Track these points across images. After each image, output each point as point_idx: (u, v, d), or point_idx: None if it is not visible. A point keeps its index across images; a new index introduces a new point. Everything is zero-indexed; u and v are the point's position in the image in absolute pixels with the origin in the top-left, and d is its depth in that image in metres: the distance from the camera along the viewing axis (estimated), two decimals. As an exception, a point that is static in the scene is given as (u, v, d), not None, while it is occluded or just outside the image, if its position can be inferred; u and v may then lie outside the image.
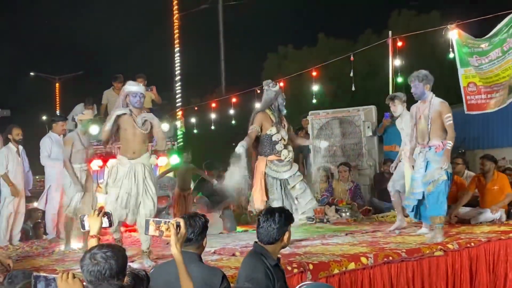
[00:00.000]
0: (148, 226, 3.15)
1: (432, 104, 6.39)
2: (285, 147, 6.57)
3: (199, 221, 3.48)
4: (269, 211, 3.74)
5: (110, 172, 5.81)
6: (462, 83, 8.83)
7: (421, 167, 6.44)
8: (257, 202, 6.51)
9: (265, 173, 6.51)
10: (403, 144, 7.28)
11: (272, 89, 6.61)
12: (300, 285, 2.95)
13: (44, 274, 2.78)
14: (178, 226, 3.08)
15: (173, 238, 3.04)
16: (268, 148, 6.53)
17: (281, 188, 6.51)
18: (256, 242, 3.75)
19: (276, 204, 6.34)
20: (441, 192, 6.33)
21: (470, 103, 8.90)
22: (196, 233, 3.44)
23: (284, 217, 3.71)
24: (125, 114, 5.70)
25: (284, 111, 6.61)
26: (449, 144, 6.28)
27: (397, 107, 7.24)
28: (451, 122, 6.35)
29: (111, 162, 5.95)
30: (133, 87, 5.83)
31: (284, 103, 6.61)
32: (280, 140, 6.51)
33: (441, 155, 6.30)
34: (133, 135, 5.72)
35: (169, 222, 3.10)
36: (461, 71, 8.95)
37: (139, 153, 5.75)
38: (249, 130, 6.49)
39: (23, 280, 3.11)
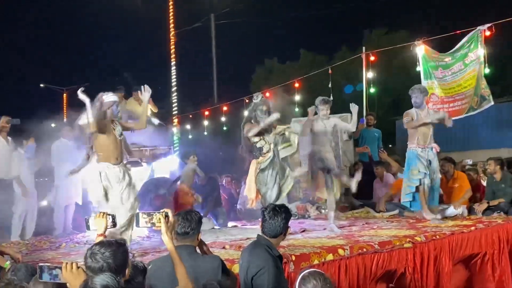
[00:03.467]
0: (138, 219, 3.16)
1: (430, 113, 7.10)
2: (270, 149, 6.62)
3: (195, 216, 3.50)
4: (276, 208, 3.76)
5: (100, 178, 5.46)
6: None
7: (426, 165, 6.98)
8: (250, 203, 6.66)
9: (257, 172, 6.57)
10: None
11: (253, 101, 6.72)
12: (301, 272, 3.13)
13: (49, 264, 2.74)
14: (166, 216, 3.12)
15: (164, 227, 3.07)
16: (257, 153, 6.63)
17: (274, 179, 6.55)
18: (259, 235, 3.76)
19: (269, 194, 6.50)
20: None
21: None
22: (192, 227, 3.45)
23: (289, 213, 3.80)
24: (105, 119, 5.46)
25: (262, 124, 6.52)
26: None
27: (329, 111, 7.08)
28: None
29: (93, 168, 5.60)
30: (114, 97, 5.63)
31: (264, 116, 6.56)
32: (265, 145, 6.55)
33: (437, 156, 7.05)
34: (115, 143, 5.54)
35: (158, 213, 3.13)
36: (424, 83, 9.02)
37: (120, 159, 5.58)
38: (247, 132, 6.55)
39: (26, 273, 3.07)
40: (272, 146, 6.67)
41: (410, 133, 7.08)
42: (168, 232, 3.08)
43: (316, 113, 6.83)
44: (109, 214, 3.32)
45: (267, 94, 13.32)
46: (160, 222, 3.09)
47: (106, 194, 5.44)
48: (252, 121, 6.66)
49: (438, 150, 7.14)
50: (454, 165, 8.06)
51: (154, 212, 3.14)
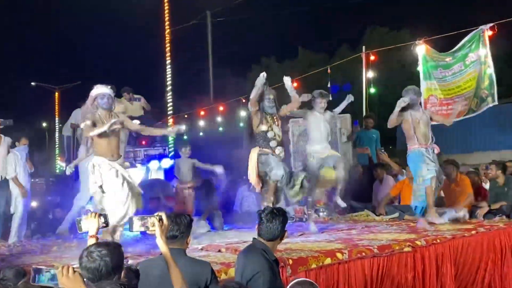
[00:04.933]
0: (132, 224, 3.18)
1: (425, 113, 7.14)
2: (279, 144, 6.64)
3: (185, 219, 3.50)
4: (274, 210, 3.78)
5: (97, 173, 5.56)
6: (424, 95, 8.93)
7: (433, 166, 6.91)
8: (257, 185, 6.62)
9: (257, 157, 6.54)
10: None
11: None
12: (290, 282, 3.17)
13: (43, 267, 2.72)
14: (160, 219, 3.14)
15: (158, 230, 3.10)
16: (262, 143, 6.60)
17: (279, 160, 6.56)
18: (255, 238, 3.77)
19: (274, 173, 6.46)
20: None
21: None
22: (181, 231, 3.46)
23: (286, 217, 3.81)
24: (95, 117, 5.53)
25: (270, 111, 6.62)
26: None
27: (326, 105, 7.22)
28: None
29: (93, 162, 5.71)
30: (101, 88, 5.63)
31: (271, 105, 6.63)
32: (275, 137, 6.57)
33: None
34: (107, 138, 5.54)
35: (152, 216, 3.15)
36: (423, 84, 9.06)
37: (117, 156, 5.64)
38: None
39: (14, 277, 3.08)
40: (282, 148, 6.69)
41: (409, 135, 7.06)
42: (163, 235, 3.10)
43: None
44: (101, 214, 3.34)
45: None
46: (154, 226, 3.11)
47: (100, 187, 5.51)
48: (260, 111, 6.66)
49: (439, 151, 7.15)
50: (458, 168, 8.08)
51: (148, 216, 3.17)
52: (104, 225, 3.34)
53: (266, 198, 6.67)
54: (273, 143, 6.60)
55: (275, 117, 6.70)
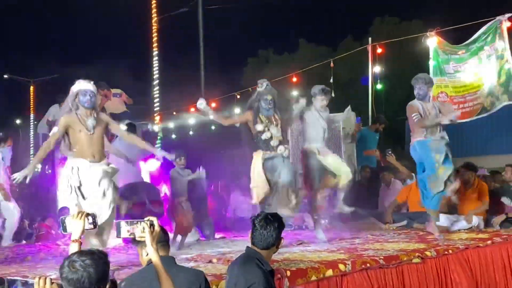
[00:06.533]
0: (120, 229, 3.13)
1: (436, 105, 7.11)
2: (281, 143, 6.65)
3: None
4: (268, 216, 3.80)
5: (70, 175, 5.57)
6: (432, 92, 8.91)
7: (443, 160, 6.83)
8: (259, 196, 6.52)
9: (262, 164, 6.52)
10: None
11: (257, 89, 6.70)
12: None
13: (19, 278, 2.75)
14: (152, 225, 3.11)
15: (149, 237, 3.08)
16: (263, 146, 6.60)
17: (285, 164, 6.55)
18: (248, 247, 3.80)
19: (282, 180, 6.43)
20: None
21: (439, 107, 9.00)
22: (166, 237, 3.54)
23: (282, 223, 3.83)
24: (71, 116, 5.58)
25: (266, 114, 6.62)
26: None
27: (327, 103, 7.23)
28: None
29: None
30: (83, 84, 5.65)
31: (268, 107, 6.62)
32: (271, 138, 6.55)
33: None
34: (88, 137, 5.58)
35: (143, 222, 3.12)
36: (433, 81, 9.05)
37: (99, 157, 5.64)
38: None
39: None
40: (285, 146, 6.69)
41: (417, 129, 6.99)
42: (154, 243, 3.09)
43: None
44: (88, 214, 3.22)
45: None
46: (144, 232, 3.09)
47: (79, 191, 5.49)
48: (255, 112, 6.67)
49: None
50: (475, 173, 8.07)
51: (138, 221, 3.13)
52: (92, 226, 3.23)
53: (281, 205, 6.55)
54: (273, 142, 6.59)
55: (273, 118, 6.68)
